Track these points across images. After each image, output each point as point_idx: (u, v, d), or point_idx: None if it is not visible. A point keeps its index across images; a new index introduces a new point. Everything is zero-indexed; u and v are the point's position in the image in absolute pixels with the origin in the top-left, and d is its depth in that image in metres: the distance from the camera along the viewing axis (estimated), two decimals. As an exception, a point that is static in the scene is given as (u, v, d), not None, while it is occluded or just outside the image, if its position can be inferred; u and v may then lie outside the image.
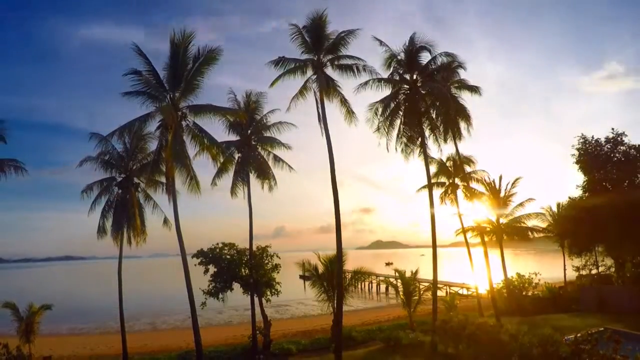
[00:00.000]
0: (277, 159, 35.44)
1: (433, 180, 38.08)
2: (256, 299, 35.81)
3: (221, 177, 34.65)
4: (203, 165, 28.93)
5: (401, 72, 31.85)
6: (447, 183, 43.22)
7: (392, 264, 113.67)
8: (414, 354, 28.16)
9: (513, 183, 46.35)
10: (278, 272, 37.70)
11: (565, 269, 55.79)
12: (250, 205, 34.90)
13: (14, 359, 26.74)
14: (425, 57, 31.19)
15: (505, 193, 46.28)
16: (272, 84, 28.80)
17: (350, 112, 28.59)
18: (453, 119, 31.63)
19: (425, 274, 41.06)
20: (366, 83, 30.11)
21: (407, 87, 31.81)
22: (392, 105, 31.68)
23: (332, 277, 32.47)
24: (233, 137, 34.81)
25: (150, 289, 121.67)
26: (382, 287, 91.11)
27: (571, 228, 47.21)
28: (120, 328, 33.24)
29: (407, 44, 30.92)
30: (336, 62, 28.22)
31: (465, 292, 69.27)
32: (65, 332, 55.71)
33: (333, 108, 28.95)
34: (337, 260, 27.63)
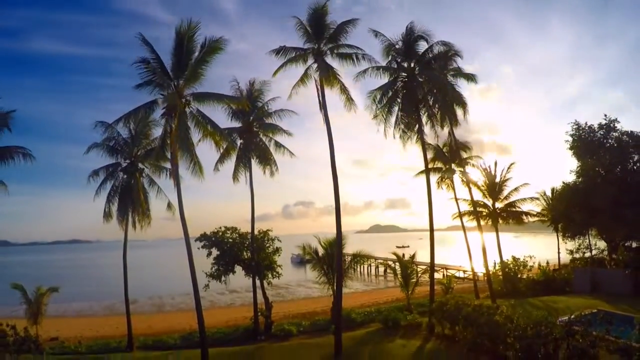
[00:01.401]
0: (278, 145, 35.53)
1: (430, 166, 38.02)
2: (258, 282, 36.01)
3: (224, 162, 34.91)
4: (206, 151, 28.95)
5: (399, 60, 31.85)
6: (444, 168, 43.21)
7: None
8: (412, 335, 28.28)
9: (508, 168, 46.65)
10: (279, 255, 37.92)
11: (559, 252, 55.96)
12: (252, 190, 35.01)
13: (22, 340, 26.81)
14: (422, 46, 31.27)
15: (501, 178, 46.52)
16: (274, 73, 28.79)
17: (349, 99, 28.57)
18: (449, 106, 31.67)
19: (423, 256, 41.25)
20: (365, 71, 30.11)
21: (405, 75, 31.84)
22: (390, 92, 31.74)
23: (332, 260, 32.62)
24: (235, 124, 35.00)
25: (155, 272, 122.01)
26: (381, 269, 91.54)
27: (565, 212, 47.51)
28: (125, 310, 33.44)
29: (404, 33, 30.95)
30: (336, 51, 28.13)
31: (461, 274, 69.51)
32: (71, 314, 55.98)
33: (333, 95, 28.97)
34: (336, 244, 27.66)
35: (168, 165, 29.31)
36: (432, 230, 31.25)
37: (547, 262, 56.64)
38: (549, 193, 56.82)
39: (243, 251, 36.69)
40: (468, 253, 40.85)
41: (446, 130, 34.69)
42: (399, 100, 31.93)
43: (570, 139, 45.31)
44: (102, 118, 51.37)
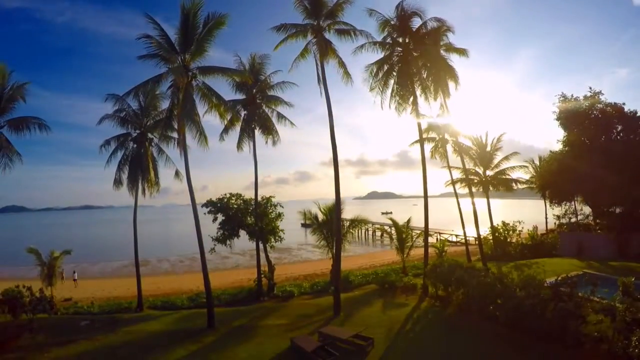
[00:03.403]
0: (280, 115, 35.65)
1: (424, 136, 37.94)
2: (261, 245, 36.25)
3: (228, 133, 35.11)
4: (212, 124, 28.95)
5: (394, 36, 31.75)
6: (437, 138, 43.05)
7: (391, 212, 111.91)
8: (407, 296, 28.56)
9: (498, 138, 46.64)
10: (281, 220, 38.11)
11: (546, 218, 56.31)
12: (255, 159, 35.23)
13: (37, 301, 27.10)
14: (416, 22, 31.06)
15: (491, 147, 46.53)
16: (275, 48, 28.61)
17: (347, 73, 28.52)
18: (442, 79, 31.61)
19: (417, 221, 41.36)
20: (362, 46, 30.03)
21: (400, 49, 31.78)
22: (386, 66, 31.74)
23: (331, 224, 32.74)
24: (239, 96, 35.16)
25: (163, 236, 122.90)
26: (378, 234, 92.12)
27: (552, 179, 47.74)
28: (135, 272, 33.70)
29: (399, 10, 30.62)
30: (334, 27, 27.94)
31: (454, 239, 69.95)
32: (84, 276, 56.47)
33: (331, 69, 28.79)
34: (335, 210, 27.73)
35: (175, 135, 29.27)
36: (426, 196, 31.28)
37: (535, 227, 56.79)
38: (537, 161, 56.87)
39: (247, 216, 36.93)
40: (460, 218, 41.05)
41: (439, 101, 34.75)
42: (394, 73, 31.86)
43: (557, 110, 45.23)
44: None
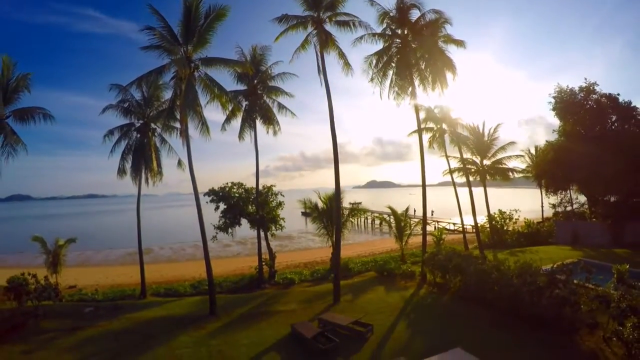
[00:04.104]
0: (281, 106, 35.58)
1: (422, 126, 37.96)
2: (262, 234, 36.32)
3: (230, 123, 35.07)
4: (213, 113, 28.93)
5: (393, 27, 31.71)
6: (435, 128, 42.99)
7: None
8: (405, 283, 28.60)
9: (495, 128, 46.58)
10: (282, 209, 38.18)
11: (542, 206, 56.40)
12: (256, 148, 35.10)
13: (42, 288, 27.14)
14: (415, 14, 30.99)
15: (488, 137, 46.49)
16: (276, 39, 28.50)
17: (347, 64, 28.39)
18: (440, 70, 31.53)
19: (415, 210, 41.44)
20: (362, 37, 29.93)
21: (399, 41, 31.73)
22: (385, 57, 31.71)
23: (331, 213, 32.77)
24: (241, 87, 35.07)
25: (166, 225, 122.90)
26: (377, 222, 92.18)
27: (548, 169, 47.84)
28: (139, 260, 33.78)
29: (398, 2, 30.53)
30: (334, 19, 27.83)
31: (452, 227, 70.05)
32: (88, 264, 56.58)
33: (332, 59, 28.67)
34: (335, 198, 27.71)
35: (178, 125, 29.27)
36: (424, 185, 31.29)
37: (528, 220, 56.88)
38: (533, 151, 56.85)
39: (248, 205, 37.00)
40: (458, 207, 41.12)
41: (437, 92, 34.82)
42: (393, 64, 31.82)
43: (553, 100, 45.28)
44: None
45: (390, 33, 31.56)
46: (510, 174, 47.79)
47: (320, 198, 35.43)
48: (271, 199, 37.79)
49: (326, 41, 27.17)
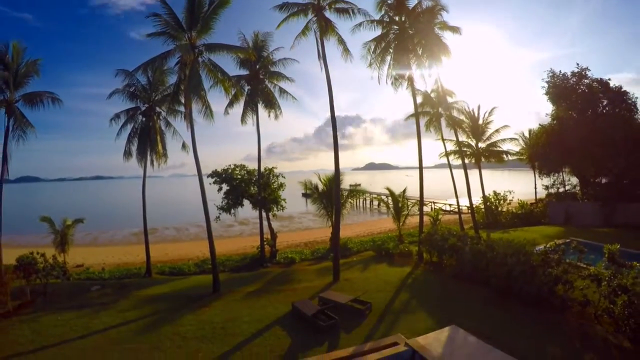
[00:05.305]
0: (282, 90, 35.33)
1: (419, 110, 38.01)
2: (264, 214, 36.37)
3: (232, 107, 34.84)
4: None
5: (391, 14, 31.61)
6: (432, 112, 42.86)
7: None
8: (403, 262, 28.68)
9: (490, 112, 46.85)
10: (283, 190, 38.26)
11: (535, 188, 56.33)
12: (258, 131, 34.93)
13: (51, 267, 27.25)
14: (412, 1, 30.93)
15: (483, 121, 46.63)
16: (278, 26, 28.30)
17: (346, 50, 28.22)
18: (436, 56, 31.49)
19: (412, 191, 41.48)
20: (360, 24, 29.94)
21: (397, 27, 31.65)
22: (383, 43, 31.67)
23: (330, 194, 32.75)
24: (243, 72, 34.79)
25: (171, 206, 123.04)
26: (375, 203, 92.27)
27: (541, 151, 48.08)
28: (144, 239, 33.89)
29: None
30: (334, 6, 27.59)
31: (448, 208, 70.13)
32: (96, 243, 56.77)
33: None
34: (335, 180, 27.68)
35: (182, 108, 29.25)
36: (421, 167, 31.27)
37: (522, 201, 56.97)
38: (527, 134, 56.75)
39: (250, 186, 37.05)
40: (454, 188, 41.15)
41: (434, 77, 35.00)
42: (391, 50, 31.73)
43: (546, 85, 45.23)
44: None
45: (388, 20, 31.49)
46: (505, 156, 47.89)
47: (320, 180, 35.41)
48: (273, 181, 37.84)
49: (326, 28, 27.09)
